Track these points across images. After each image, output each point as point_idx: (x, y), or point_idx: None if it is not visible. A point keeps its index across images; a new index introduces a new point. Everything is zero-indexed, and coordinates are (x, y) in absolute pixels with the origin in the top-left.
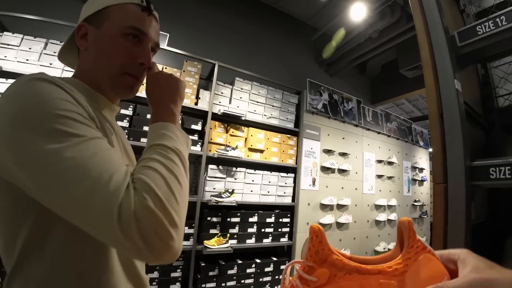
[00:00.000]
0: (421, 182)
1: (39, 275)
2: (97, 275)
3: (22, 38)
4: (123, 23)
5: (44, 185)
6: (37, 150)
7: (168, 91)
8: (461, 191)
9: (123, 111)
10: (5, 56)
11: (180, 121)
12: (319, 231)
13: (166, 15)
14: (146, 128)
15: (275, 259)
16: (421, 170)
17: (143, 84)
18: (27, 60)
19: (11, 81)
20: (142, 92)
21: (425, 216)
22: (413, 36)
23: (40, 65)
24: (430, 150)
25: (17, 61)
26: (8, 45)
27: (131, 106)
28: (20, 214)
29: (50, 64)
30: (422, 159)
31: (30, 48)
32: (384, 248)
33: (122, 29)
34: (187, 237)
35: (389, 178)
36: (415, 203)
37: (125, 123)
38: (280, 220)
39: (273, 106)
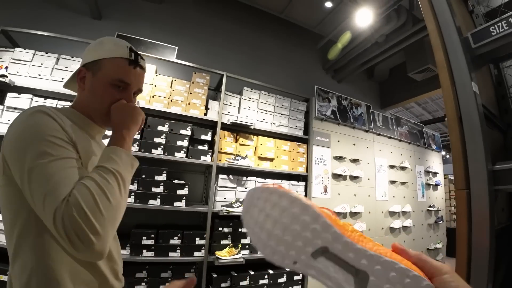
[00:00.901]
0: (435, 186)
1: (32, 261)
2: (80, 263)
3: (34, 54)
4: (112, 75)
5: (26, 187)
6: (28, 163)
7: (123, 119)
8: (484, 196)
9: None
10: (17, 72)
11: (131, 144)
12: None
13: (174, 28)
14: (157, 140)
15: (288, 269)
16: (435, 174)
17: (153, 97)
18: (39, 75)
19: (24, 95)
20: (152, 104)
21: (441, 222)
22: (420, 39)
23: (52, 80)
24: (443, 153)
25: (30, 76)
26: (20, 60)
27: None
28: (19, 205)
29: (62, 78)
30: (435, 163)
31: (42, 64)
32: None
33: (111, 80)
34: (198, 248)
35: (403, 183)
36: (430, 208)
37: (136, 135)
38: None
39: (281, 114)
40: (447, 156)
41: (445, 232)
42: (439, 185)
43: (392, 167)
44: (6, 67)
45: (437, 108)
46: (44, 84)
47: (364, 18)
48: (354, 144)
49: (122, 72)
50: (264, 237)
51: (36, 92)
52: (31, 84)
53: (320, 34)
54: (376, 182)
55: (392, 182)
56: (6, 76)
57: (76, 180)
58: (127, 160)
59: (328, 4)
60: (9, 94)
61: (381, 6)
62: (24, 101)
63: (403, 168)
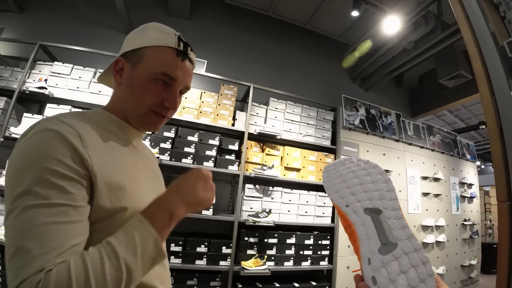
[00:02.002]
0: (471, 199)
1: None
2: None
3: (72, 68)
4: (155, 68)
5: (4, 226)
6: (10, 203)
7: (193, 194)
8: None
9: (166, 134)
10: (56, 84)
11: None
12: None
13: (203, 43)
14: (187, 149)
15: (314, 283)
16: (470, 186)
17: (184, 108)
18: (77, 88)
19: (62, 107)
20: (183, 116)
21: (476, 237)
22: (450, 45)
23: (90, 92)
24: (478, 163)
25: (68, 89)
26: (59, 73)
27: (173, 129)
28: None
29: (99, 91)
30: (470, 173)
31: (80, 77)
32: None
33: (154, 74)
34: (224, 257)
35: (436, 195)
36: (465, 222)
37: (167, 145)
38: (320, 242)
39: (308, 124)
40: (482, 167)
41: (480, 248)
42: (474, 197)
43: (424, 178)
44: (46, 80)
45: (470, 115)
46: (82, 96)
47: (391, 26)
48: (384, 154)
49: (168, 65)
50: (337, 181)
51: (74, 104)
52: (69, 96)
53: (346, 43)
54: (408, 194)
55: (425, 194)
56: (46, 88)
57: (62, 245)
58: (151, 253)
59: (354, 13)
60: (48, 105)
61: (409, 13)
62: (63, 112)
63: (436, 179)
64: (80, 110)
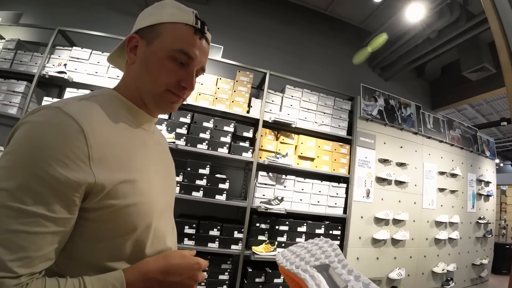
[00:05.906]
0: (487, 197)
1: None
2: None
3: (91, 53)
4: (172, 46)
5: None
6: None
7: (176, 285)
8: None
9: (181, 119)
10: (75, 69)
11: None
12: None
13: (220, 28)
14: (202, 135)
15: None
16: (487, 183)
17: (200, 94)
18: (96, 72)
19: (82, 91)
20: (199, 102)
21: (490, 236)
22: (475, 36)
23: (108, 77)
24: (497, 161)
25: (87, 74)
26: (78, 58)
27: (189, 115)
28: None
29: (117, 76)
30: (489, 171)
31: (98, 62)
32: (443, 270)
33: (171, 51)
34: (236, 241)
35: (452, 192)
36: (480, 221)
37: (183, 130)
38: (330, 232)
39: (324, 113)
40: (501, 165)
41: (492, 247)
42: (491, 195)
43: (441, 173)
44: (65, 65)
45: (491, 111)
46: (101, 81)
47: (414, 13)
48: (401, 147)
49: (186, 42)
50: (288, 254)
51: (93, 88)
52: (88, 81)
53: (366, 30)
54: (424, 189)
55: (441, 190)
56: (65, 73)
57: (31, 256)
58: None
59: None
60: (68, 89)
61: (433, 1)
62: (72, 97)
63: (453, 175)
64: (91, 92)
